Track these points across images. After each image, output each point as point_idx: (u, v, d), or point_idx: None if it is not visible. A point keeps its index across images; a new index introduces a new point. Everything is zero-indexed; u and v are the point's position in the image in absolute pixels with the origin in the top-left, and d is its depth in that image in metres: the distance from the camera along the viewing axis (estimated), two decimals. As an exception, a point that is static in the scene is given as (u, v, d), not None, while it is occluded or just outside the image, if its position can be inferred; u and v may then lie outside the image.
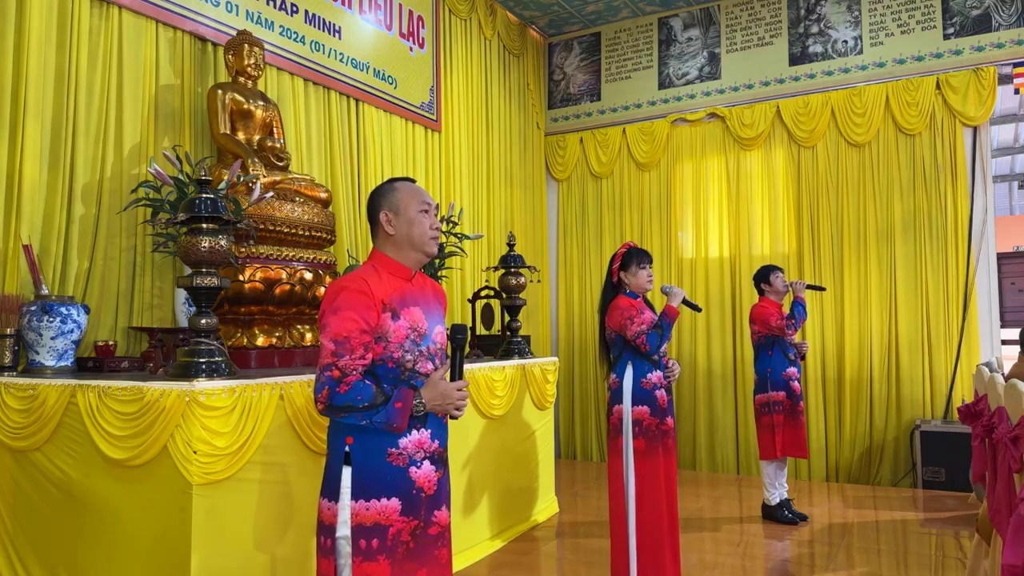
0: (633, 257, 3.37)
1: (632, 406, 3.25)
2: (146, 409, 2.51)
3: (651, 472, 3.22)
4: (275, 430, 2.75)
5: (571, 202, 7.46)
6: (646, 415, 3.24)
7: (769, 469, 4.74)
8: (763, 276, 4.91)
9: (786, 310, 4.78)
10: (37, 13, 3.39)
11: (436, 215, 2.12)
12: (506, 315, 4.99)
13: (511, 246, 4.85)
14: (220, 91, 3.89)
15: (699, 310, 3.60)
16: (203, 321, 2.70)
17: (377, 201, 2.08)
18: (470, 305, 5.45)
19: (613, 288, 3.43)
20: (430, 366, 2.01)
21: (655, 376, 3.29)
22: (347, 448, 1.93)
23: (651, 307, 3.42)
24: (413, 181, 2.13)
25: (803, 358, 4.97)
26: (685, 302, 3.44)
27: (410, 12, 5.78)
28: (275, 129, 4.10)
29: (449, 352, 2.06)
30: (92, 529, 2.69)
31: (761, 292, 4.89)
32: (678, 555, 3.30)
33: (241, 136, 3.92)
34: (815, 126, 6.28)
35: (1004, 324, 5.82)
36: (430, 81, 5.96)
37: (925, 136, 5.95)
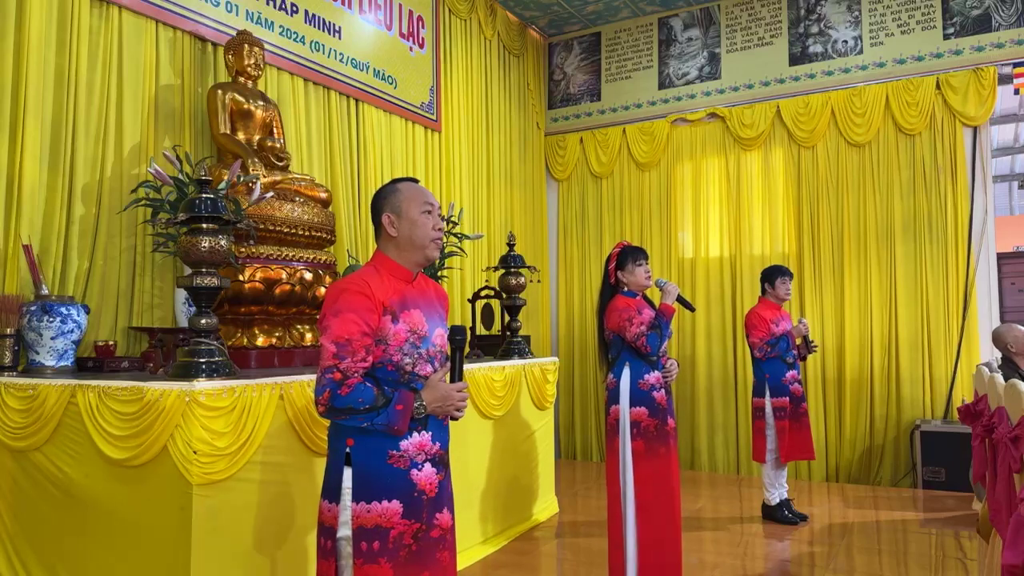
0: (628, 255, 3.34)
1: (630, 407, 3.21)
2: (146, 409, 2.51)
3: (650, 474, 3.17)
4: (275, 430, 2.75)
5: (571, 202, 7.46)
6: (645, 416, 3.19)
7: (769, 469, 4.72)
8: (768, 277, 4.84)
9: (790, 314, 4.67)
10: (37, 13, 3.38)
11: (439, 215, 2.11)
12: (506, 315, 4.99)
13: (511, 246, 4.84)
14: (220, 91, 3.89)
15: (693, 309, 3.53)
16: (203, 321, 2.69)
17: (380, 203, 2.07)
18: (470, 305, 5.45)
19: (611, 288, 3.39)
20: (429, 368, 2.00)
21: (653, 377, 3.25)
22: (347, 450, 1.93)
23: (651, 303, 3.38)
24: (416, 181, 2.12)
25: (804, 358, 4.90)
26: (679, 299, 3.38)
27: (410, 12, 5.78)
28: (275, 129, 4.10)
29: (449, 353, 2.06)
30: (92, 529, 2.69)
31: (763, 291, 4.87)
32: (679, 558, 3.26)
33: (241, 136, 3.92)
34: (815, 126, 6.28)
35: (1004, 324, 5.82)
36: (430, 81, 5.95)
37: (925, 136, 5.95)
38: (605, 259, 3.44)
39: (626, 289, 3.35)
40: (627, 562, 3.16)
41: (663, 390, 3.27)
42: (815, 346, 4.90)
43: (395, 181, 2.11)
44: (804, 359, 4.92)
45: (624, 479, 3.19)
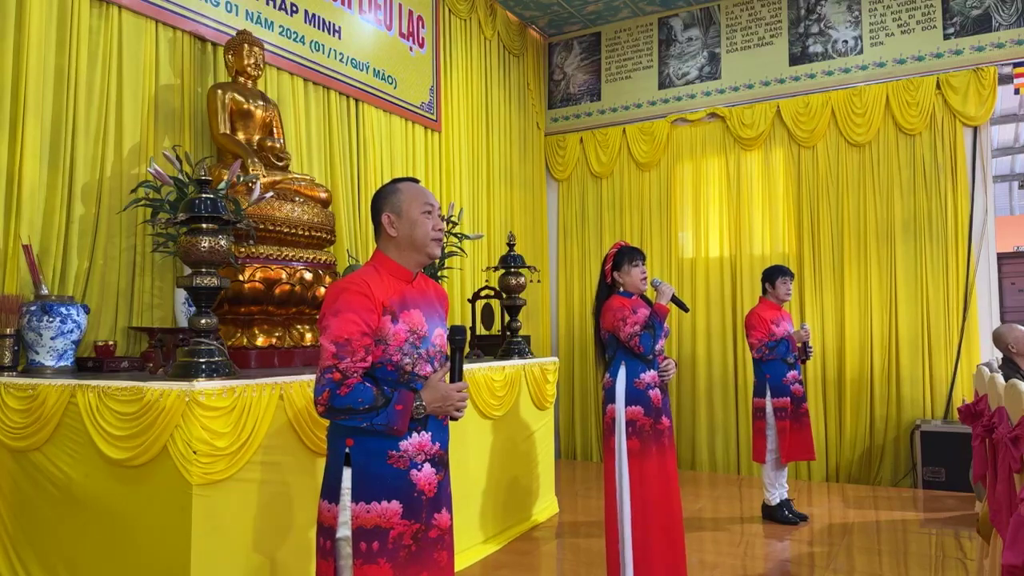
0: (625, 256, 3.34)
1: (625, 406, 3.21)
2: (146, 409, 2.51)
3: (646, 472, 3.17)
4: (275, 430, 2.75)
5: (571, 202, 7.46)
6: (640, 415, 3.20)
7: (769, 470, 4.72)
8: (769, 277, 4.84)
9: (792, 316, 4.66)
10: (37, 13, 3.38)
11: (439, 215, 2.11)
12: (506, 315, 4.99)
13: (511, 246, 4.84)
14: (220, 91, 3.89)
15: (687, 310, 3.52)
16: (203, 321, 2.69)
17: (380, 203, 2.07)
18: (470, 305, 5.45)
19: (607, 288, 3.40)
20: (429, 368, 2.01)
21: (649, 376, 3.25)
22: (347, 450, 1.93)
23: (648, 303, 3.38)
24: (416, 181, 2.12)
25: (805, 360, 4.89)
26: (674, 300, 3.37)
27: (410, 12, 5.78)
28: (275, 129, 4.10)
29: (448, 353, 2.06)
30: (92, 529, 2.69)
31: (763, 291, 4.87)
32: (682, 555, 3.25)
33: (241, 136, 3.92)
34: (815, 126, 6.28)
35: (1004, 324, 5.82)
36: (430, 81, 5.95)
37: (925, 136, 5.95)
38: (602, 259, 3.44)
39: (622, 289, 3.35)
40: (623, 561, 3.16)
41: (659, 389, 3.28)
42: (811, 351, 4.91)
43: (395, 181, 2.11)
44: (804, 362, 4.93)
45: (620, 478, 3.19)
